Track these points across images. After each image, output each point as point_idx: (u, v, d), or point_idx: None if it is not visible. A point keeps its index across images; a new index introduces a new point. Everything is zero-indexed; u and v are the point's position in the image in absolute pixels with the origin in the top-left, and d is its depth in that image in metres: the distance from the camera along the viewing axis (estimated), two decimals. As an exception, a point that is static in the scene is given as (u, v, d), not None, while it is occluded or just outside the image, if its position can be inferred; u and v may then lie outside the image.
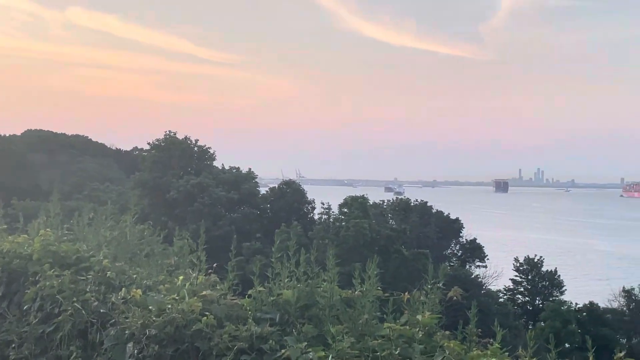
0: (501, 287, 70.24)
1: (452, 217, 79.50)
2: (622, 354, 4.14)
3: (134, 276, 6.93)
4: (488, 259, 76.78)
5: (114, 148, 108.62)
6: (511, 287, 71.31)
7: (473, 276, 63.22)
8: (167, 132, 67.67)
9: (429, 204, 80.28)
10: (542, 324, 58.86)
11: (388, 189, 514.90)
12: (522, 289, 71.20)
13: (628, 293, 68.58)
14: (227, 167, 69.37)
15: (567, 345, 52.03)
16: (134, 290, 6.15)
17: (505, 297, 68.69)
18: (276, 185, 70.73)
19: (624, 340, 61.41)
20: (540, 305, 66.82)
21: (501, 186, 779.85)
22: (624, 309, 66.60)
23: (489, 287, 65.61)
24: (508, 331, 43.96)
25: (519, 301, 70.88)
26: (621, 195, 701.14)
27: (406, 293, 5.58)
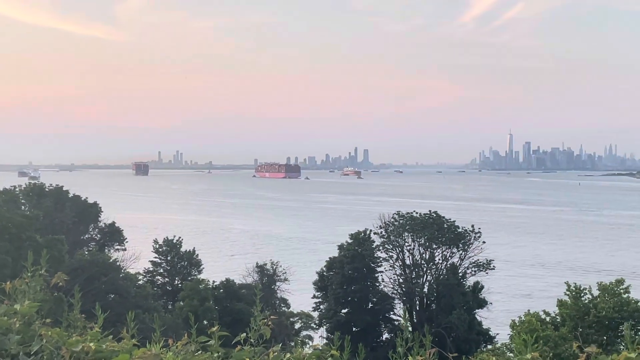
0: (140, 270, 70.45)
1: (91, 201, 77.76)
2: (215, 328, 4.35)
3: None
4: (127, 241, 76.58)
5: None
6: (150, 268, 71.89)
7: (112, 260, 62.48)
8: None
9: (65, 189, 77.60)
10: (182, 303, 60.28)
11: (22, 174, 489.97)
12: (161, 270, 72.09)
13: (261, 268, 73.11)
14: None
15: (205, 322, 53.82)
16: None
17: (144, 279, 69.09)
18: None
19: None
20: (180, 285, 68.27)
21: (142, 169, 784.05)
22: (258, 283, 70.71)
23: (128, 270, 65.35)
24: (147, 313, 44.36)
25: (159, 282, 71.77)
26: (254, 176, 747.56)
27: (8, 282, 5.33)
